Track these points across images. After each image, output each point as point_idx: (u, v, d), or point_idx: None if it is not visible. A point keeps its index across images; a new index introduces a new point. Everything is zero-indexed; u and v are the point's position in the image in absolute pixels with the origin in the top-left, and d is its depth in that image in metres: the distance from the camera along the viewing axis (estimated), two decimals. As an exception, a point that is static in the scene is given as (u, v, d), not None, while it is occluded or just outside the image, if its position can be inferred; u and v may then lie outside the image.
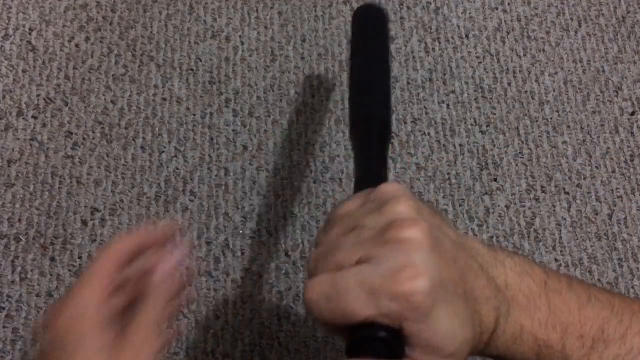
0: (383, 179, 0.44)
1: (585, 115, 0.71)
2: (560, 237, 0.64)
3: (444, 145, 0.68)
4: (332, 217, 0.38)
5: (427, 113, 0.69)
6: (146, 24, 0.71)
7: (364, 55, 0.57)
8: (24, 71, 0.68)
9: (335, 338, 0.59)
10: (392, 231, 0.34)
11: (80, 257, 0.60)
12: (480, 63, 0.73)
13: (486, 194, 0.66)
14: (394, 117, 0.69)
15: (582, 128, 0.70)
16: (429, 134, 0.68)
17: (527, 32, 0.75)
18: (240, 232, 0.62)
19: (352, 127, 0.51)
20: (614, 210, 0.66)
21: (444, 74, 0.72)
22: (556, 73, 0.73)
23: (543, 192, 0.67)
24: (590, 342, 0.36)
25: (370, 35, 0.58)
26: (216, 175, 0.65)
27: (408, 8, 0.75)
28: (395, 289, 0.32)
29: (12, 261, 0.59)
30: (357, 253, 0.34)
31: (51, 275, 0.59)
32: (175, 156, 0.65)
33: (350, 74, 0.56)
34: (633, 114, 0.72)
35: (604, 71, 0.74)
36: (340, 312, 0.33)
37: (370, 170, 0.46)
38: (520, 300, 0.36)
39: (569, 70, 0.73)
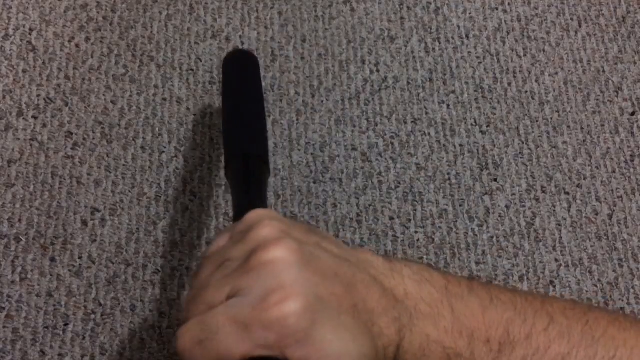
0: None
1: (585, 115, 0.71)
2: (560, 237, 0.64)
3: (444, 145, 0.68)
4: (203, 257, 0.36)
5: (427, 113, 0.69)
6: (146, 24, 0.71)
7: (236, 95, 0.54)
8: (24, 71, 0.68)
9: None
10: (255, 256, 0.32)
11: (80, 257, 0.60)
12: (480, 63, 0.73)
13: (486, 194, 0.66)
14: (393, 116, 0.69)
15: (582, 128, 0.70)
16: (429, 134, 0.68)
17: (527, 32, 0.75)
18: (240, 232, 0.62)
19: (227, 165, 0.48)
20: (614, 210, 0.66)
21: (444, 74, 0.72)
22: (556, 73, 0.73)
23: (543, 192, 0.67)
24: (497, 345, 0.36)
25: (242, 78, 0.56)
26: (216, 175, 0.65)
27: (408, 8, 0.75)
28: (266, 316, 0.30)
29: (12, 261, 0.59)
30: (225, 288, 0.32)
31: (51, 275, 0.59)
32: (175, 156, 0.65)
33: (223, 115, 0.53)
34: (633, 114, 0.72)
35: (604, 71, 0.74)
36: (215, 354, 0.31)
37: (247, 205, 0.42)
38: (422, 309, 0.35)
39: (569, 70, 0.73)
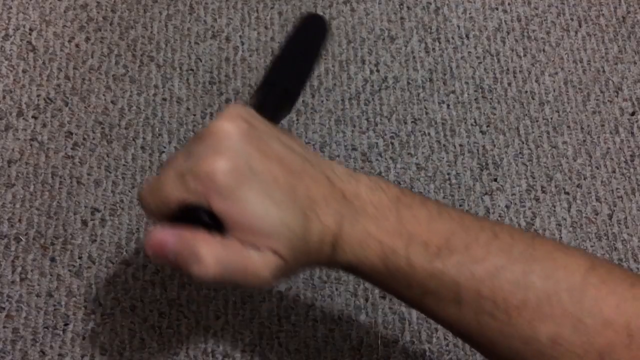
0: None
1: (585, 115, 0.71)
2: (560, 237, 0.64)
3: (444, 145, 0.68)
4: None
5: (427, 113, 0.69)
6: (146, 24, 0.71)
7: (294, 48, 0.56)
8: (24, 71, 0.68)
9: (336, 338, 0.59)
10: (208, 127, 0.38)
11: (80, 257, 0.60)
12: (480, 63, 0.73)
13: (486, 194, 0.66)
14: (393, 116, 0.69)
15: (582, 128, 0.70)
16: (429, 134, 0.68)
17: (527, 32, 0.75)
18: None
19: (255, 92, 0.51)
20: (614, 210, 0.66)
21: (444, 74, 0.72)
22: (556, 73, 0.73)
23: (543, 192, 0.67)
24: (435, 249, 0.37)
25: (307, 39, 0.58)
26: (216, 175, 0.65)
27: (408, 8, 0.75)
28: (198, 169, 0.36)
29: (12, 261, 0.59)
30: (183, 155, 0.38)
31: (51, 275, 0.59)
32: (175, 156, 0.65)
33: (276, 55, 0.56)
34: (633, 114, 0.72)
35: (604, 71, 0.74)
36: (159, 199, 0.37)
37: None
38: (368, 210, 0.38)
39: (569, 70, 0.73)
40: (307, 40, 0.58)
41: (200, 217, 0.36)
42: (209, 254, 0.35)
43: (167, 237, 0.36)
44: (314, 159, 0.39)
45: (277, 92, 0.50)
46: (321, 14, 0.66)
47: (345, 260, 0.38)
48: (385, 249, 0.38)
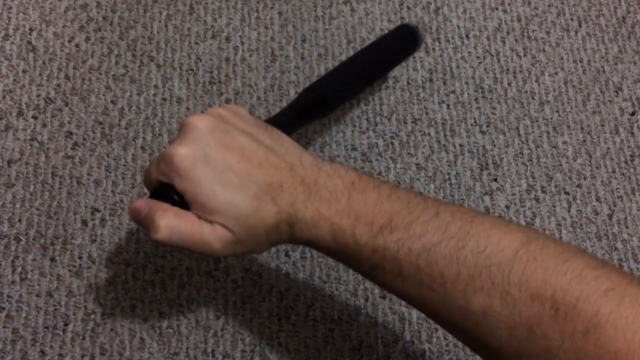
0: (283, 125, 0.51)
1: (585, 115, 0.71)
2: (560, 237, 0.64)
3: (444, 145, 0.68)
4: None
5: (427, 113, 0.69)
6: (146, 24, 0.71)
7: (365, 57, 0.63)
8: (24, 71, 0.68)
9: (336, 338, 0.59)
10: (185, 119, 0.45)
11: (80, 257, 0.60)
12: (480, 63, 0.73)
13: (486, 194, 0.66)
14: (393, 116, 0.69)
15: (582, 128, 0.70)
16: (429, 134, 0.68)
17: (527, 32, 0.75)
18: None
19: (302, 91, 0.58)
20: (614, 210, 0.66)
21: (444, 74, 0.72)
22: (556, 73, 0.73)
23: (543, 192, 0.67)
24: (378, 227, 0.42)
25: (394, 47, 0.64)
26: (216, 175, 0.65)
27: (408, 8, 0.75)
28: (164, 153, 0.44)
29: (12, 261, 0.59)
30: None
31: (51, 275, 0.59)
32: (175, 156, 0.65)
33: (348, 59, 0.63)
34: (633, 114, 0.72)
35: (604, 71, 0.74)
36: (146, 178, 0.46)
37: (273, 118, 0.54)
38: (323, 194, 0.43)
39: (569, 70, 0.73)
40: (389, 50, 0.64)
41: (169, 193, 0.44)
42: (162, 221, 0.43)
43: (140, 205, 0.45)
44: (281, 150, 0.46)
45: (311, 97, 0.57)
46: (415, 24, 0.69)
47: (302, 237, 0.44)
48: (335, 227, 0.43)
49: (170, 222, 0.43)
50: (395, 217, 0.42)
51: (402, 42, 0.64)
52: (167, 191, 0.45)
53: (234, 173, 0.43)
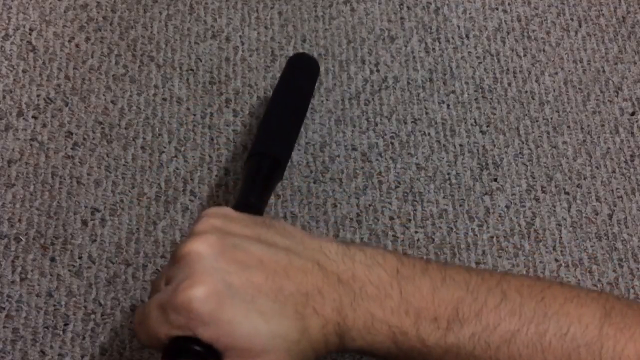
0: (257, 206, 0.46)
1: (585, 115, 0.71)
2: (560, 237, 0.64)
3: (444, 145, 0.68)
4: None
5: (427, 113, 0.69)
6: (146, 24, 0.71)
7: (282, 98, 0.58)
8: (24, 71, 0.68)
9: (335, 338, 0.59)
10: (179, 248, 0.37)
11: (80, 257, 0.60)
12: (480, 63, 0.73)
13: (486, 194, 0.66)
14: (393, 116, 0.69)
15: (582, 128, 0.70)
16: (429, 134, 0.68)
17: (527, 32, 0.75)
18: (240, 232, 0.62)
19: (247, 159, 0.52)
20: (614, 210, 0.66)
21: (444, 74, 0.72)
22: (556, 73, 0.73)
23: (543, 192, 0.67)
24: (445, 323, 0.36)
25: (298, 82, 0.60)
26: (216, 175, 0.65)
27: (408, 8, 0.75)
28: (175, 301, 0.34)
29: (12, 261, 0.59)
30: (164, 277, 0.37)
31: (51, 275, 0.59)
32: (175, 156, 0.65)
33: (264, 113, 0.58)
34: (633, 114, 0.72)
35: (604, 71, 0.74)
36: (147, 335, 0.36)
37: (242, 200, 0.47)
38: (369, 290, 0.37)
39: (569, 70, 0.73)
40: (294, 90, 0.60)
41: (193, 350, 0.35)
42: None
43: None
44: (299, 247, 0.38)
45: (267, 163, 0.52)
46: (308, 53, 0.67)
47: (356, 346, 0.37)
48: (395, 330, 0.36)
49: None
50: (461, 306, 0.37)
51: (302, 70, 0.62)
52: (188, 346, 0.35)
53: (266, 295, 0.35)
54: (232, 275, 0.35)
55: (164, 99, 0.68)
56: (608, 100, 0.72)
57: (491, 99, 0.71)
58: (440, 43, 0.73)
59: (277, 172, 0.52)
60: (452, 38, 0.74)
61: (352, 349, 0.37)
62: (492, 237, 0.64)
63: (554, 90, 0.72)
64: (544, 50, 0.74)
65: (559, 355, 0.35)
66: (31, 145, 0.64)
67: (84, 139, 0.65)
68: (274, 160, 0.52)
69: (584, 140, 0.70)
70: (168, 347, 0.35)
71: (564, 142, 0.69)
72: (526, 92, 0.72)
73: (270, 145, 0.53)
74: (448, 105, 0.70)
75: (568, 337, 0.36)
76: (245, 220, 0.40)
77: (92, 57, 0.69)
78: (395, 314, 0.36)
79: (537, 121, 0.70)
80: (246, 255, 0.36)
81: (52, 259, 0.60)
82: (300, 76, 0.61)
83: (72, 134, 0.65)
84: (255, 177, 0.50)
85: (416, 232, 0.64)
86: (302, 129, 0.67)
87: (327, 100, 0.69)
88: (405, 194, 0.65)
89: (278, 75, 0.70)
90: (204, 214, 0.39)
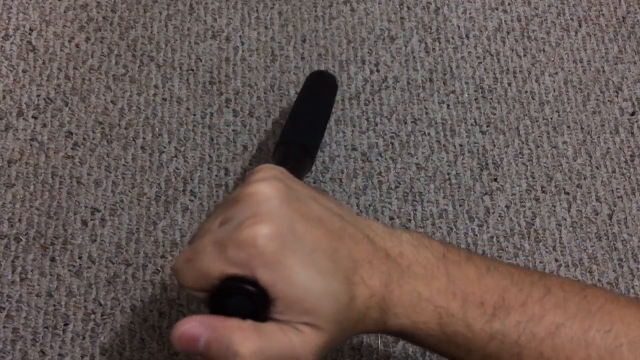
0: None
1: (585, 115, 0.71)
2: (560, 237, 0.64)
3: (444, 145, 0.68)
4: None
5: (427, 113, 0.69)
6: (146, 24, 0.71)
7: (308, 103, 0.60)
8: (24, 71, 0.68)
9: (335, 338, 0.59)
10: (243, 189, 0.35)
11: (80, 257, 0.60)
12: (480, 63, 0.73)
13: (486, 194, 0.66)
14: (393, 116, 0.69)
15: (582, 128, 0.70)
16: (429, 134, 0.68)
17: (527, 32, 0.75)
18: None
19: (275, 149, 0.53)
20: (614, 210, 0.66)
21: (444, 74, 0.72)
22: (556, 73, 0.73)
23: (543, 192, 0.67)
24: (492, 309, 0.36)
25: (319, 93, 0.62)
26: (216, 175, 0.65)
27: (408, 8, 0.75)
28: (238, 237, 0.33)
29: (12, 261, 0.59)
30: (218, 218, 0.36)
31: (51, 275, 0.59)
32: (175, 156, 0.65)
33: (291, 110, 0.60)
34: (633, 114, 0.72)
35: (604, 71, 0.74)
36: (197, 272, 0.34)
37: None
38: (416, 270, 0.36)
39: (569, 70, 0.73)
40: (318, 95, 0.62)
41: (247, 291, 0.33)
42: (246, 347, 0.32)
43: (198, 330, 0.33)
44: (351, 218, 0.37)
45: (296, 150, 0.52)
46: (330, 71, 0.68)
47: (397, 325, 0.36)
48: (441, 311, 0.36)
49: (257, 346, 0.32)
50: (506, 295, 0.36)
51: (324, 85, 0.64)
52: (242, 287, 0.33)
53: (323, 252, 0.34)
54: (298, 224, 0.34)
55: (164, 99, 0.68)
56: (608, 100, 0.72)
57: (491, 99, 0.71)
58: (440, 43, 0.73)
59: (306, 158, 0.53)
60: (452, 38, 0.74)
61: (391, 329, 0.36)
62: (492, 237, 0.64)
63: (554, 90, 0.72)
64: (544, 50, 0.74)
65: (602, 352, 0.35)
66: (31, 145, 0.64)
67: (84, 139, 0.65)
68: (301, 147, 0.53)
69: (584, 140, 0.70)
70: (219, 287, 0.33)
71: (564, 142, 0.69)
72: (526, 92, 0.72)
73: (297, 133, 0.54)
74: (448, 105, 0.70)
75: (611, 335, 0.35)
76: (301, 182, 0.39)
77: (92, 57, 0.69)
78: (442, 295, 0.36)
79: (537, 121, 0.70)
80: (308, 209, 0.35)
81: (52, 259, 0.60)
82: (323, 89, 0.64)
83: (72, 134, 0.65)
84: (283, 161, 0.50)
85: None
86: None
87: (327, 100, 0.69)
88: (405, 194, 0.65)
89: (278, 75, 0.70)
90: (261, 167, 0.38)
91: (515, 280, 0.37)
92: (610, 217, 0.66)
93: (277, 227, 0.33)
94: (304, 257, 0.33)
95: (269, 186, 0.35)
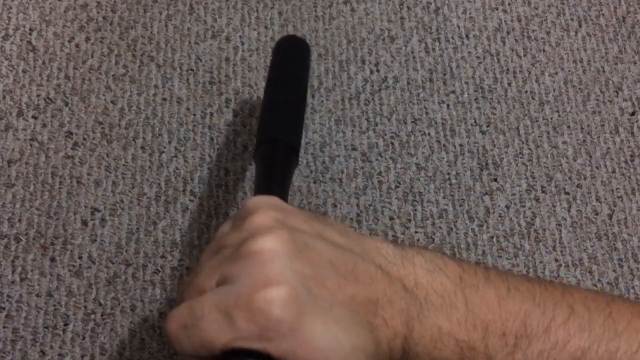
0: (284, 195, 0.41)
1: (585, 115, 0.71)
2: (560, 237, 0.64)
3: (444, 145, 0.68)
4: (209, 243, 0.36)
5: (427, 113, 0.69)
6: (146, 24, 0.71)
7: (279, 82, 0.54)
8: (24, 71, 0.68)
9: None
10: (245, 245, 0.32)
11: (80, 257, 0.60)
12: (480, 63, 0.73)
13: (486, 194, 0.66)
14: (393, 116, 0.69)
15: (582, 128, 0.70)
16: (429, 134, 0.68)
17: (527, 32, 0.75)
18: (240, 232, 0.62)
19: (256, 149, 0.48)
20: (614, 210, 0.66)
21: (444, 74, 0.72)
22: (556, 73, 0.73)
23: (543, 192, 0.67)
24: (513, 339, 0.34)
25: (288, 66, 0.56)
26: (216, 175, 0.65)
27: (408, 8, 0.75)
28: (249, 306, 0.29)
29: (12, 261, 0.59)
30: (216, 274, 0.32)
31: (51, 275, 0.59)
32: (175, 156, 0.65)
33: (264, 98, 0.54)
34: (633, 114, 0.72)
35: (604, 71, 0.74)
36: (198, 341, 0.31)
37: (265, 190, 0.43)
38: (433, 300, 0.34)
39: (569, 70, 0.73)
40: (292, 71, 0.56)
41: None
42: None
43: None
44: (359, 247, 0.34)
45: (281, 149, 0.48)
46: (296, 34, 0.64)
47: None
48: (462, 345, 0.34)
49: None
50: (529, 321, 0.34)
51: (291, 52, 0.58)
52: None
53: (341, 303, 0.31)
54: (310, 280, 0.31)
55: (164, 99, 0.68)
56: (608, 100, 0.72)
57: (491, 99, 0.71)
58: (440, 43, 0.73)
59: (293, 156, 0.49)
60: (452, 38, 0.74)
61: None
62: (492, 237, 0.64)
63: (554, 90, 0.72)
64: (544, 50, 0.74)
65: None
66: (31, 145, 0.64)
67: (84, 139, 0.65)
68: (287, 145, 0.48)
69: (584, 140, 0.70)
70: (222, 356, 0.30)
71: (564, 142, 0.69)
72: (526, 92, 0.72)
73: (279, 130, 0.49)
74: (448, 105, 0.70)
75: (638, 356, 0.34)
76: (300, 213, 0.35)
77: (92, 57, 0.69)
78: (462, 327, 0.34)
79: (537, 121, 0.70)
80: (317, 254, 0.32)
81: (52, 259, 0.60)
82: (291, 60, 0.57)
83: (72, 134, 0.65)
84: (271, 165, 0.47)
85: (416, 232, 0.64)
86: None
87: (327, 100, 0.69)
88: (405, 194, 0.65)
89: (278, 75, 0.70)
90: (255, 205, 0.34)
91: (537, 301, 0.35)
92: (610, 217, 0.66)
93: (291, 290, 0.30)
94: (322, 316, 0.30)
95: (274, 240, 0.31)
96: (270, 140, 0.49)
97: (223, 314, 0.30)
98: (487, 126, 0.69)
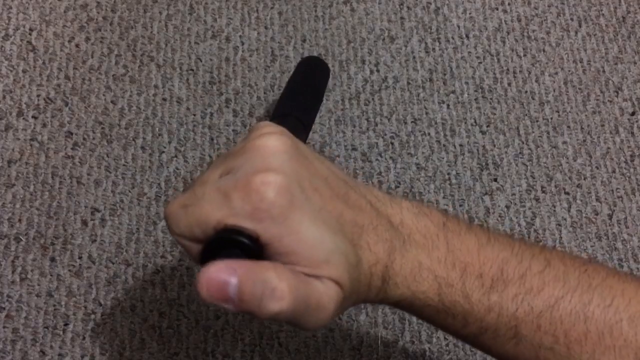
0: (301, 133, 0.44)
1: (585, 115, 0.71)
2: (560, 237, 0.64)
3: (444, 145, 0.68)
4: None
5: (427, 113, 0.69)
6: (146, 24, 0.71)
7: (301, 81, 0.58)
8: (24, 71, 0.68)
9: (336, 338, 0.59)
10: (250, 141, 0.34)
11: (80, 257, 0.60)
12: (480, 63, 0.73)
13: (486, 194, 0.66)
14: (393, 116, 0.69)
15: (582, 128, 0.70)
16: (429, 134, 0.68)
17: (527, 32, 0.75)
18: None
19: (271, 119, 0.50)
20: (614, 210, 0.66)
21: (444, 74, 0.72)
22: (556, 73, 0.73)
23: (543, 192, 0.67)
24: (490, 281, 0.36)
25: (312, 75, 0.60)
26: (216, 175, 0.65)
27: (408, 8, 0.75)
28: (246, 187, 0.31)
29: (12, 261, 0.59)
30: (220, 168, 0.34)
31: (51, 275, 0.59)
32: (175, 156, 0.65)
33: (281, 94, 0.57)
34: (633, 114, 0.72)
35: (604, 71, 0.74)
36: (193, 218, 0.32)
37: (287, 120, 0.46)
38: (417, 238, 0.36)
39: (569, 70, 0.73)
40: (311, 78, 0.60)
41: (244, 245, 0.31)
42: (284, 282, 0.30)
43: (226, 274, 0.30)
44: (354, 183, 0.36)
45: (292, 121, 0.50)
46: (320, 57, 0.67)
47: (397, 294, 0.36)
48: (440, 281, 0.35)
49: (293, 283, 0.31)
50: (505, 267, 0.36)
51: (315, 69, 0.62)
52: (239, 240, 0.31)
53: (330, 212, 0.33)
54: (306, 181, 0.33)
55: (164, 99, 0.68)
56: (608, 100, 0.72)
57: (491, 99, 0.71)
58: (440, 43, 0.73)
59: (302, 132, 0.50)
60: (452, 38, 0.74)
61: (390, 299, 0.36)
62: (492, 237, 0.64)
63: (554, 90, 0.72)
64: (544, 50, 0.74)
65: (601, 327, 0.35)
66: (31, 145, 0.64)
67: (84, 139, 0.65)
68: (297, 119, 0.50)
69: (584, 140, 0.70)
70: (213, 237, 0.31)
71: (564, 142, 0.69)
72: (526, 92, 0.72)
73: (291, 108, 0.51)
74: (448, 105, 0.70)
75: (611, 310, 0.35)
76: (305, 145, 0.37)
77: (92, 57, 0.69)
78: (442, 265, 0.35)
79: (537, 121, 0.70)
80: (315, 168, 0.34)
81: (52, 259, 0.60)
82: (315, 72, 0.61)
83: (72, 134, 0.65)
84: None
85: (416, 232, 0.64)
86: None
87: (327, 100, 0.69)
88: (405, 194, 0.65)
89: (278, 75, 0.70)
90: (265, 123, 0.36)
91: (515, 252, 0.37)
92: (610, 217, 0.66)
93: (287, 180, 0.32)
94: (311, 213, 0.32)
95: (277, 140, 0.33)
96: (281, 115, 0.51)
97: (221, 194, 0.32)
98: (487, 126, 0.69)
